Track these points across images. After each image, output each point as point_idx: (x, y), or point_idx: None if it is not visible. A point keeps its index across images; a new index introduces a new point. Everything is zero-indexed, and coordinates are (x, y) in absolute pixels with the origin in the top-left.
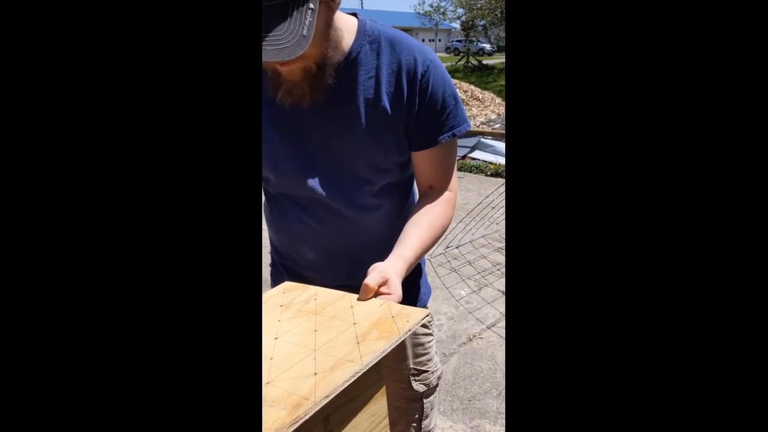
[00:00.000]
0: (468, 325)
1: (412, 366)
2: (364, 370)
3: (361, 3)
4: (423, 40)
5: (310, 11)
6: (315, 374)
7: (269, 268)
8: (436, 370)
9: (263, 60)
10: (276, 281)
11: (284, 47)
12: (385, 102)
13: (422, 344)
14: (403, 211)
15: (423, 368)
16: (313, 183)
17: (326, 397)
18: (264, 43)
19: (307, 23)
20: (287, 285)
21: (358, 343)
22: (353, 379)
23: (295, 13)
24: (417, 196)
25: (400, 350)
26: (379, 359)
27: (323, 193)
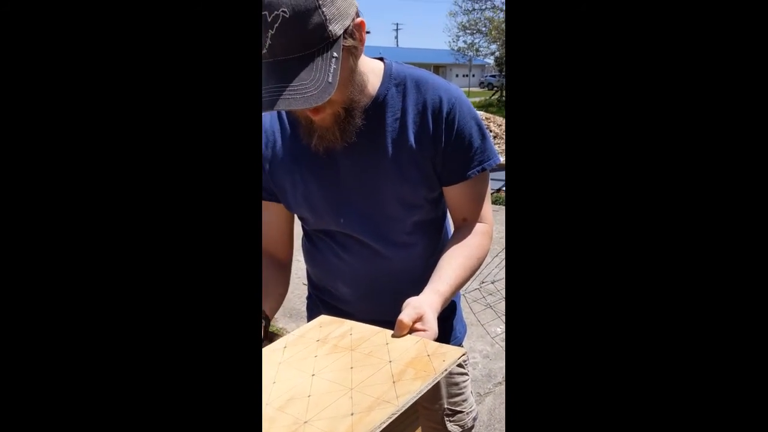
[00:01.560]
0: (504, 364)
1: (446, 406)
2: (401, 412)
3: (396, 42)
4: (457, 76)
5: (334, 59)
6: (352, 414)
7: (306, 301)
8: (471, 411)
9: (292, 109)
10: (312, 314)
11: (311, 95)
12: (412, 141)
13: (457, 384)
14: (436, 248)
15: (458, 409)
16: (347, 221)
17: None
18: (292, 92)
19: (331, 70)
20: (323, 319)
21: (394, 382)
22: (390, 421)
23: (319, 62)
24: (451, 233)
25: (434, 390)
26: (415, 400)
27: (357, 231)
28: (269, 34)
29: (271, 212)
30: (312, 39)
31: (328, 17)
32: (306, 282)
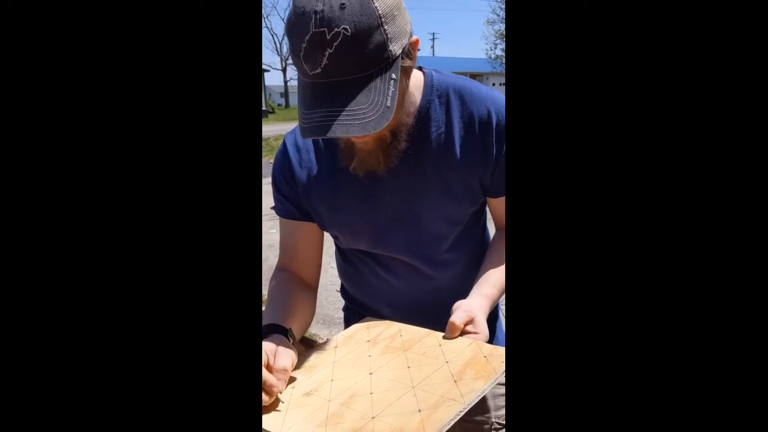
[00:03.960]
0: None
1: (493, 420)
2: (467, 409)
3: (433, 51)
4: (494, 84)
5: (392, 81)
6: (419, 411)
7: (339, 310)
8: None
9: (350, 136)
10: (350, 324)
11: (369, 120)
12: (458, 156)
13: (504, 395)
14: (479, 260)
15: (504, 422)
16: (391, 244)
17: None
18: (349, 117)
19: (390, 93)
20: (370, 321)
21: (455, 381)
22: (458, 418)
23: (378, 84)
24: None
25: (480, 402)
26: (479, 399)
27: (401, 253)
28: (326, 52)
29: (301, 232)
30: (372, 59)
31: (389, 36)
32: (338, 290)
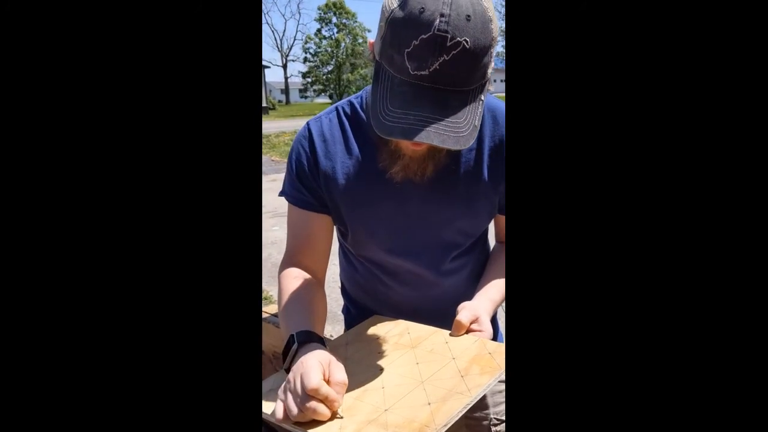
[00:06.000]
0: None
1: (492, 416)
2: (474, 402)
3: None
4: (495, 81)
5: (481, 102)
6: (429, 404)
7: (343, 310)
8: None
9: (445, 146)
10: (350, 324)
11: (463, 135)
12: (486, 175)
13: (501, 392)
14: (479, 273)
15: (504, 418)
16: (402, 248)
17: (445, 425)
18: (447, 128)
19: (478, 113)
20: (378, 318)
21: (462, 377)
22: (465, 410)
23: (472, 103)
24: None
25: (480, 399)
26: (485, 393)
27: (411, 260)
28: (441, 58)
29: (316, 223)
30: (476, 77)
31: (491, 59)
32: (339, 286)
